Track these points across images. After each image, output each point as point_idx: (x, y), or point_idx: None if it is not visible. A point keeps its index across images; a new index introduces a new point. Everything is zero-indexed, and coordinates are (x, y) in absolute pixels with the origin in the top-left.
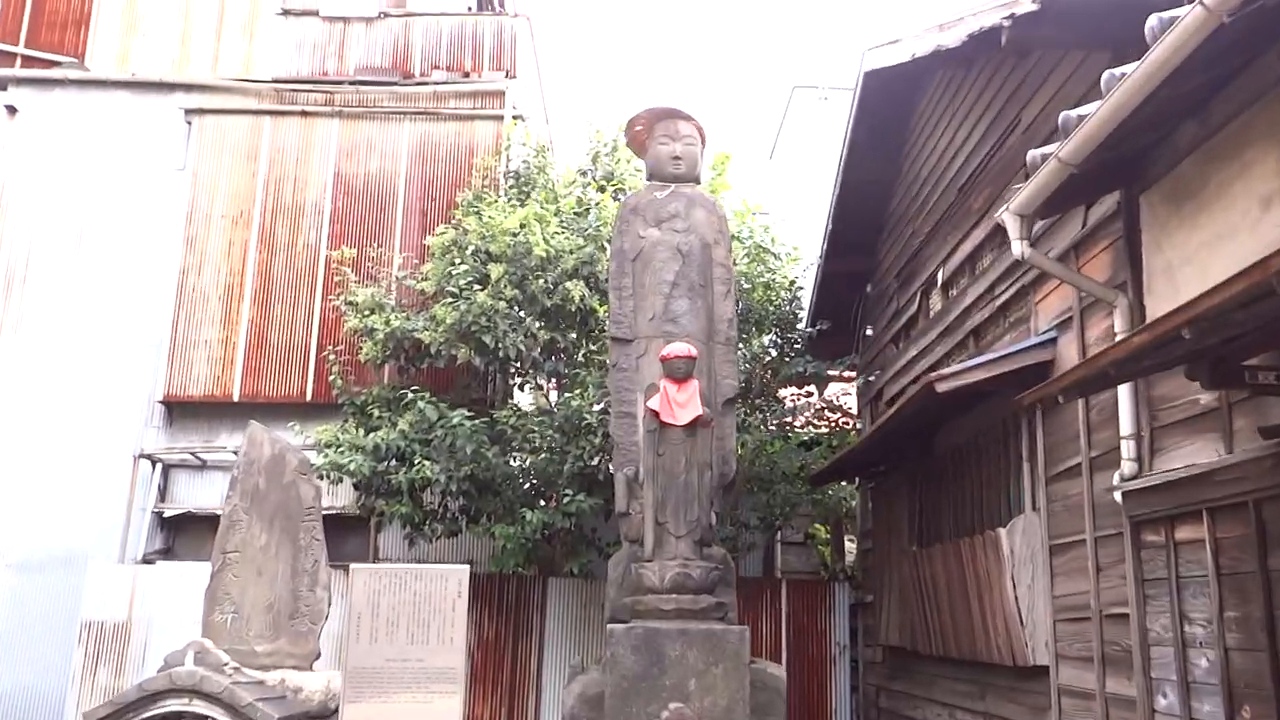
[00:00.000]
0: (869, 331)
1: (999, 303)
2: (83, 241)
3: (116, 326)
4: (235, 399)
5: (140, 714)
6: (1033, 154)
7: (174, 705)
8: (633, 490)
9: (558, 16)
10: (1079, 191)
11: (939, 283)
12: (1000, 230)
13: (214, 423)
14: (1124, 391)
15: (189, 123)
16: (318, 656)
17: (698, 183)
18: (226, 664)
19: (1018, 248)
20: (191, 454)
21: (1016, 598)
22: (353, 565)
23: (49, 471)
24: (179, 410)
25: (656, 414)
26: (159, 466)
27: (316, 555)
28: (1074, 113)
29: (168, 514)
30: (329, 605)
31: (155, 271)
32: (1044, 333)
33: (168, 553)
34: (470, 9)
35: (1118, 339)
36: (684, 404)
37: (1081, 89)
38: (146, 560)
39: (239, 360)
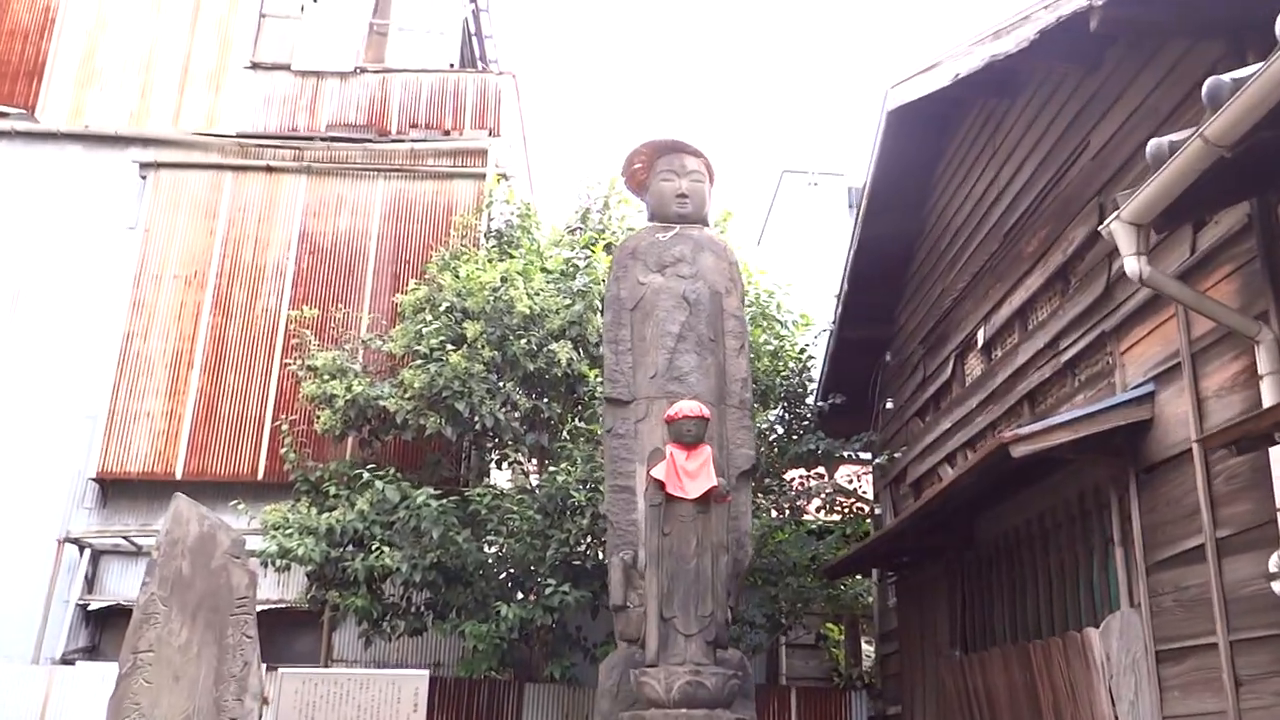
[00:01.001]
0: (889, 405)
1: (1065, 358)
2: (18, 301)
3: (48, 394)
4: (178, 477)
5: None
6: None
7: None
8: (631, 579)
9: (544, 80)
10: (1209, 197)
11: (979, 344)
12: (1062, 277)
13: (153, 503)
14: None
15: (144, 177)
16: None
17: (706, 224)
18: None
19: (1133, 265)
20: (125, 538)
21: (1116, 717)
22: (281, 670)
23: None
24: (114, 489)
25: (662, 485)
26: (87, 552)
27: (247, 656)
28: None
29: (94, 606)
30: (260, 718)
31: (97, 336)
32: (1136, 386)
33: (92, 651)
34: (452, 65)
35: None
36: (695, 474)
37: (1172, 101)
38: (66, 660)
39: (184, 434)
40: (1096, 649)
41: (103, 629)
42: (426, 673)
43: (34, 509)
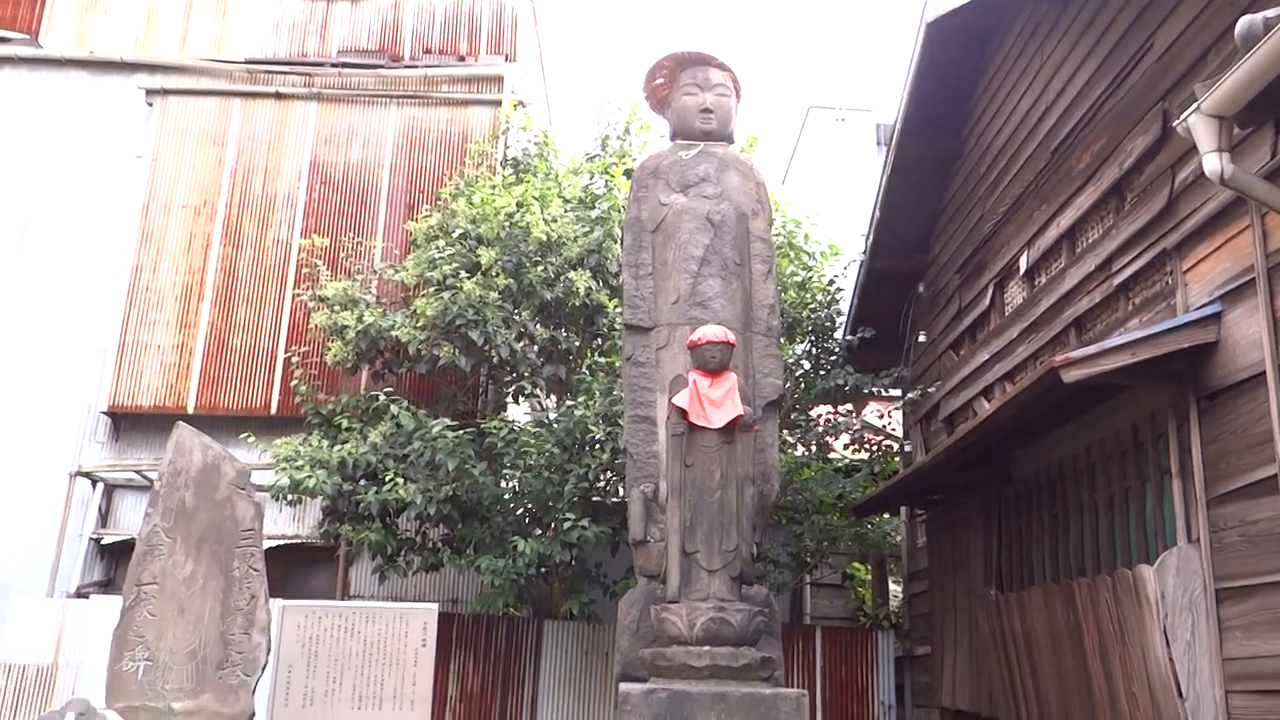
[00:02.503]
0: (921, 338)
1: (1118, 281)
2: (26, 233)
3: (58, 328)
4: (190, 411)
5: None
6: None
7: None
8: (651, 512)
9: (563, 5)
10: None
11: (1021, 270)
12: (1117, 194)
13: (165, 437)
14: None
15: (150, 104)
16: (251, 716)
17: (731, 142)
18: None
19: (1213, 164)
20: (138, 472)
21: (1171, 659)
22: (282, 603)
23: None
24: (126, 423)
25: (685, 414)
26: (100, 486)
27: (254, 589)
28: None
29: (107, 540)
30: (268, 652)
31: (106, 268)
32: (1200, 307)
33: (107, 585)
34: None
35: None
36: (719, 402)
37: None
38: (80, 594)
39: (195, 367)
40: (1150, 587)
41: (117, 563)
42: (435, 606)
43: (46, 443)
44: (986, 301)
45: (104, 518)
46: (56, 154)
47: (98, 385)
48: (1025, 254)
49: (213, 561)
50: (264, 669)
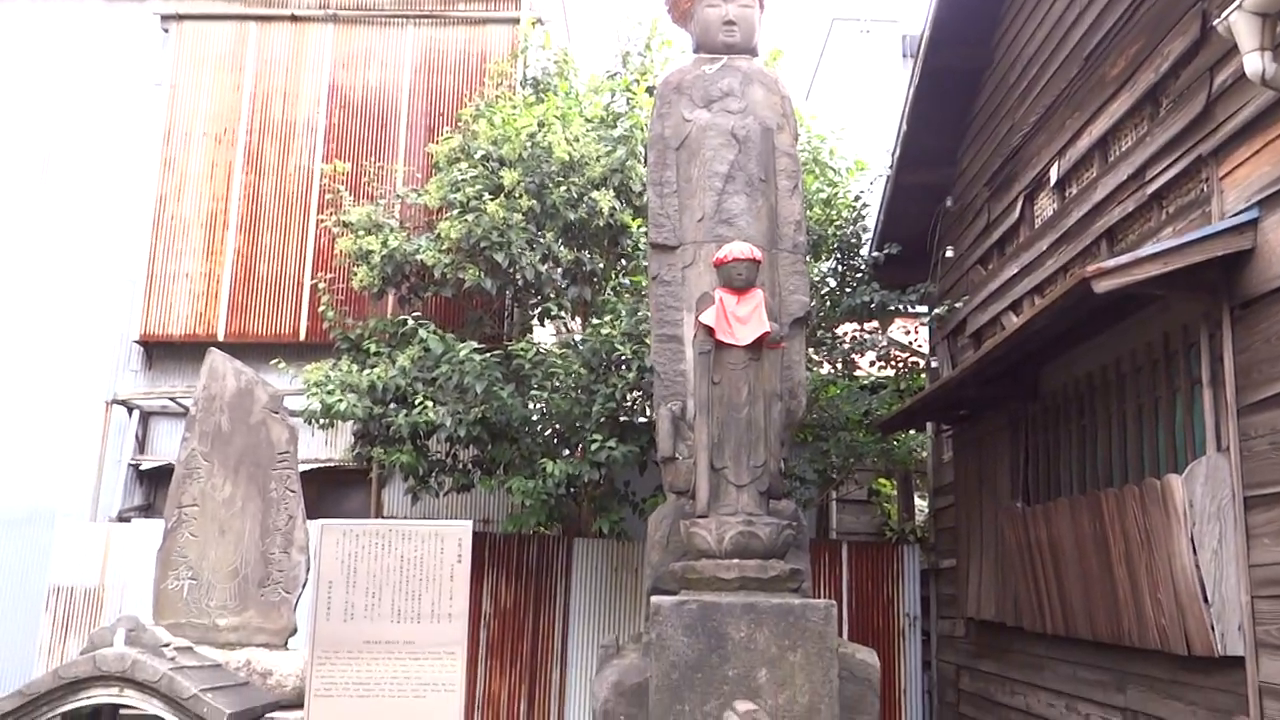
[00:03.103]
0: (948, 253)
1: (1151, 189)
2: (49, 165)
3: (88, 259)
4: (220, 338)
5: (56, 707)
6: None
7: (100, 696)
8: (679, 430)
9: None
10: None
11: (1051, 181)
12: (1151, 100)
13: (197, 365)
14: None
15: (166, 30)
16: (293, 632)
17: (755, 55)
18: (167, 644)
19: (1255, 63)
20: (172, 399)
21: (1197, 566)
22: (321, 522)
23: (10, 418)
24: (158, 351)
25: (711, 332)
26: (136, 413)
27: (291, 510)
28: None
29: (145, 466)
30: (307, 571)
31: (130, 198)
32: (1237, 214)
33: (148, 509)
34: None
35: None
36: (745, 319)
37: None
38: (122, 518)
39: (224, 295)
40: (1178, 496)
41: (156, 488)
42: (469, 523)
43: (83, 373)
44: (1016, 214)
45: (141, 444)
46: (75, 84)
47: (129, 315)
48: (1056, 165)
49: (250, 484)
50: (304, 586)
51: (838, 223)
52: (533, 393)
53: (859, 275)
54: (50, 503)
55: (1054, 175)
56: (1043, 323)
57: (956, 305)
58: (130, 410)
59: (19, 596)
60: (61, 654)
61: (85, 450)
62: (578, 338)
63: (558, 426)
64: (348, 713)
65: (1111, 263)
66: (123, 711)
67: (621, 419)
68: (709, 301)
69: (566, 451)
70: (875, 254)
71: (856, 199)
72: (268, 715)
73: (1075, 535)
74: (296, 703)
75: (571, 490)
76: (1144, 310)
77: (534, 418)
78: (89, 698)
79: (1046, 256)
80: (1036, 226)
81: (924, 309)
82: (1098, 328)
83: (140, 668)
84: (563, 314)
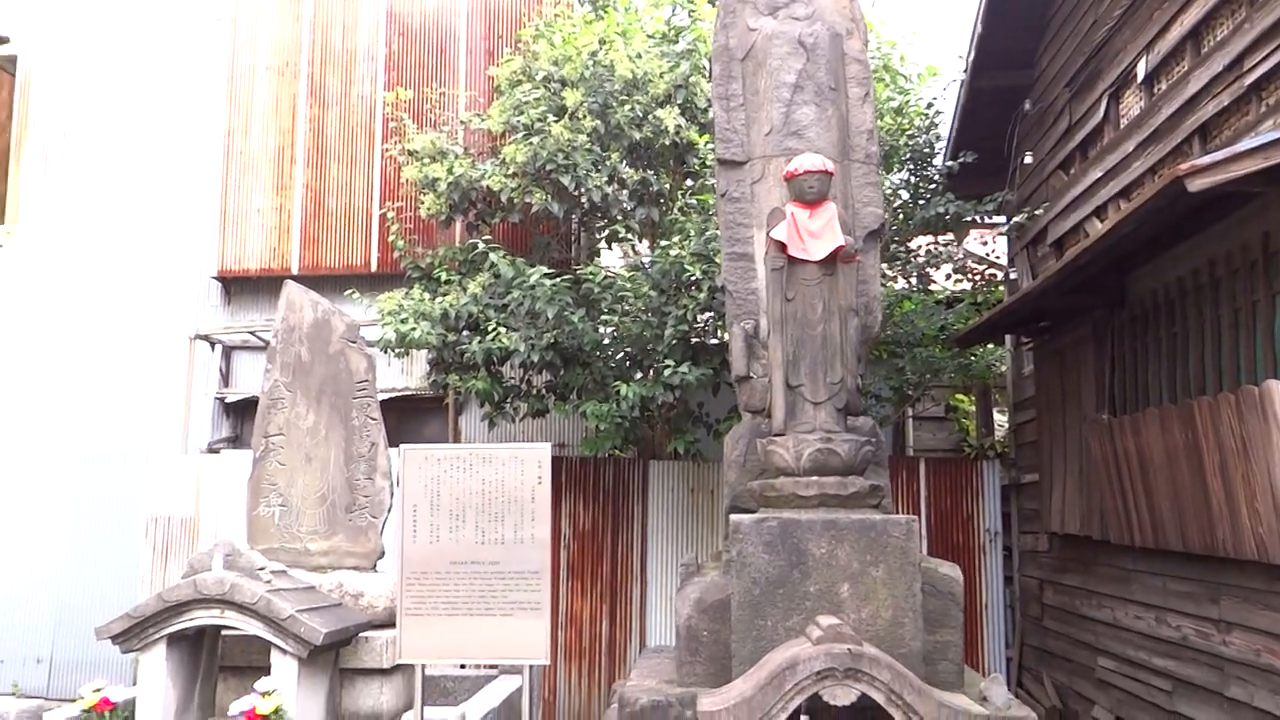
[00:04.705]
0: (1027, 159)
1: (1249, 80)
2: (120, 104)
3: (165, 197)
4: (294, 272)
5: (163, 629)
6: None
7: (202, 618)
8: (753, 349)
9: None
10: None
11: (1139, 78)
12: None
13: (274, 298)
14: None
15: None
16: (381, 555)
17: None
18: (263, 568)
19: None
20: (252, 333)
21: None
22: (404, 447)
23: (102, 357)
24: (236, 286)
25: (784, 247)
26: (219, 348)
27: (373, 437)
28: None
29: (230, 399)
30: (392, 496)
31: (201, 134)
32: None
33: (235, 441)
34: None
35: None
36: (818, 233)
37: None
38: (211, 450)
39: (295, 229)
40: (1277, 402)
41: (241, 420)
42: (548, 446)
43: (166, 309)
44: (1100, 115)
45: (225, 378)
46: (139, 21)
47: (207, 251)
48: (1143, 60)
49: (332, 412)
50: (389, 511)
51: (909, 132)
52: (603, 317)
53: (933, 186)
54: (143, 437)
55: (1141, 71)
56: (1132, 226)
57: (1036, 213)
58: (213, 345)
59: (118, 528)
60: (163, 580)
61: (173, 386)
62: (646, 260)
63: (629, 350)
64: (438, 630)
65: (1206, 159)
66: (224, 633)
67: (694, 340)
68: (780, 217)
69: (639, 375)
70: (949, 163)
71: (929, 106)
72: (361, 635)
73: (1166, 445)
74: (388, 623)
75: (645, 413)
76: (1241, 209)
77: (605, 342)
78: (192, 619)
79: (1133, 158)
80: (1122, 127)
81: (1001, 219)
82: (1190, 230)
83: (239, 590)
84: (630, 237)
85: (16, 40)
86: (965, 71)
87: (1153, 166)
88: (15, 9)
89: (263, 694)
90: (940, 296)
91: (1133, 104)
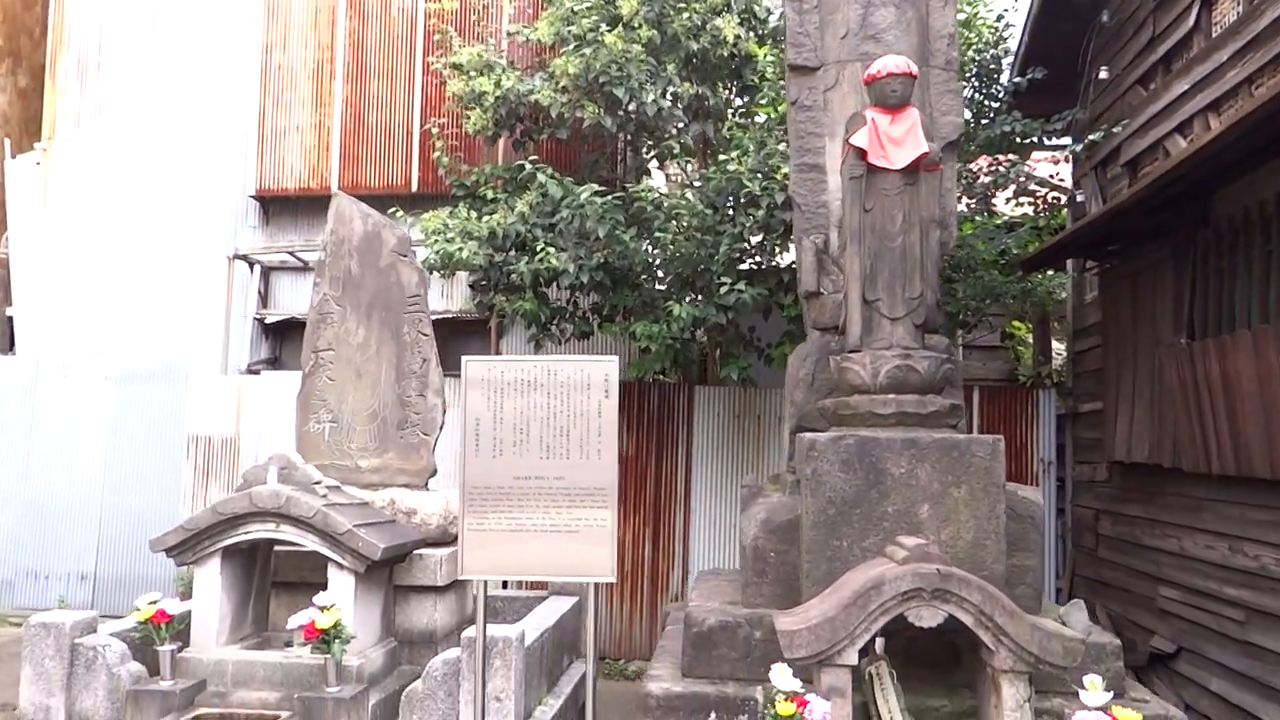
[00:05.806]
0: (1103, 74)
1: None
2: (156, 20)
3: (199, 114)
4: (334, 190)
5: (217, 541)
6: None
7: (258, 531)
8: (823, 264)
9: None
10: None
11: None
12: None
13: (313, 218)
14: None
15: None
16: (433, 473)
17: None
18: (319, 482)
19: None
20: (290, 254)
21: None
22: (465, 358)
23: (141, 278)
24: (274, 206)
25: (863, 154)
26: (257, 268)
27: (425, 353)
28: None
29: (270, 320)
30: (443, 413)
31: (238, 49)
32: None
33: (274, 362)
34: None
35: None
36: (900, 140)
37: None
38: (250, 370)
39: (335, 146)
40: None
41: (281, 341)
42: (615, 359)
43: (204, 229)
44: (1189, 23)
45: (264, 299)
46: None
47: (245, 170)
48: None
49: (383, 328)
50: (441, 429)
51: (977, 45)
52: (656, 235)
53: (997, 104)
54: (182, 357)
55: None
56: (1229, 140)
57: (1115, 130)
58: (251, 265)
59: (160, 446)
60: (205, 498)
61: (212, 306)
62: (697, 180)
63: (680, 270)
64: (500, 547)
65: None
66: (276, 549)
67: (751, 258)
68: (860, 123)
69: (690, 296)
70: (1017, 79)
71: (999, 19)
72: (415, 552)
73: (1257, 369)
74: (441, 541)
75: (694, 335)
76: None
77: (656, 262)
78: (246, 533)
79: (1227, 68)
80: (1214, 36)
81: (1066, 140)
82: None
83: (295, 504)
84: (681, 155)
85: None
86: None
87: (1250, 76)
88: None
89: (322, 608)
90: (1001, 220)
91: (1228, 10)
